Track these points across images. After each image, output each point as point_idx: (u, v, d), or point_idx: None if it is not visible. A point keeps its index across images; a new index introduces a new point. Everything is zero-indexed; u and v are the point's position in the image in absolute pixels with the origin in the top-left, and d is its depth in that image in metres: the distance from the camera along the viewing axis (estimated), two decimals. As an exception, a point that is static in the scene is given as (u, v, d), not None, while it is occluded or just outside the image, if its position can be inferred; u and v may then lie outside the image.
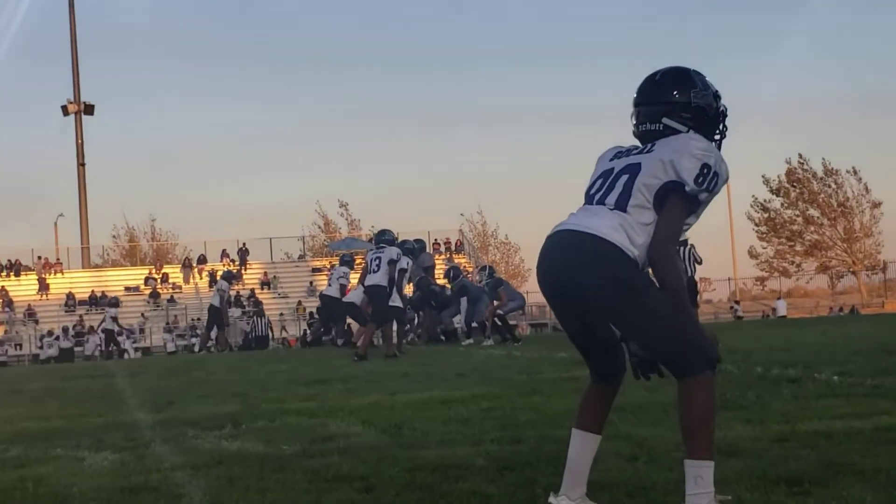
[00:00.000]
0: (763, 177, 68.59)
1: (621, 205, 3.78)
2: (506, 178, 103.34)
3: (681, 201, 3.74)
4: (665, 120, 3.91)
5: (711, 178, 3.72)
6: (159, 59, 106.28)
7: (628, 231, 3.73)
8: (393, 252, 17.15)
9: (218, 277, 50.80)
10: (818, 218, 66.87)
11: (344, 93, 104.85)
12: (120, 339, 37.52)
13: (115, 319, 36.60)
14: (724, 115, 3.98)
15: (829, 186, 67.00)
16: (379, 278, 16.94)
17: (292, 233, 78.11)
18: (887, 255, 64.43)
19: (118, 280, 52.61)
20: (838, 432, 5.39)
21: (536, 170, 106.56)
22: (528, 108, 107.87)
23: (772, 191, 68.45)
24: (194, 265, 52.27)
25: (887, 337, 13.32)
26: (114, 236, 73.12)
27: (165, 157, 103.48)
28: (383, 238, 17.75)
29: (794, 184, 67.61)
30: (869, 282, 66.98)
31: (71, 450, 6.45)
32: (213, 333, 29.72)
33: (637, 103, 4.00)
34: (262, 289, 51.56)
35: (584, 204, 3.96)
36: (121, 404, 9.93)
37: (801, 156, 67.91)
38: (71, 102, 58.36)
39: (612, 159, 3.99)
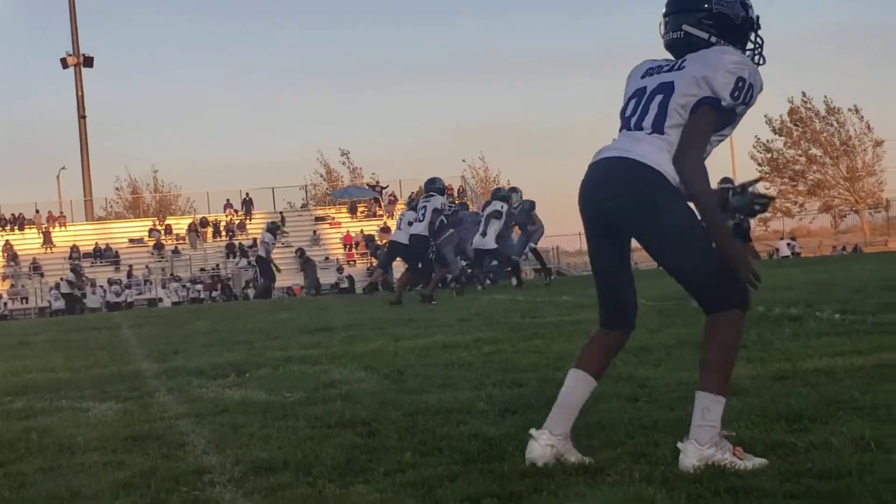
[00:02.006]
0: (766, 116, 68.21)
1: (658, 126, 3.76)
2: (508, 124, 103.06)
3: (711, 112, 3.72)
4: (685, 27, 3.87)
5: (747, 91, 3.70)
6: (159, 11, 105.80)
7: (670, 153, 3.73)
8: (437, 201, 17.16)
9: (222, 230, 51.22)
10: (821, 157, 66.59)
11: (344, 42, 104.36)
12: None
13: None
14: (756, 25, 3.91)
15: (832, 125, 66.61)
16: (423, 227, 16.99)
17: (295, 182, 78.10)
18: (890, 193, 64.25)
19: (122, 232, 52.64)
20: (839, 369, 5.40)
21: (538, 115, 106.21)
22: (529, 54, 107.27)
23: (774, 130, 68.11)
24: (199, 229, 52.08)
25: (889, 274, 13.30)
26: (116, 188, 73.01)
27: (166, 109, 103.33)
28: (432, 186, 17.68)
29: (797, 123, 67.23)
30: (872, 220, 66.87)
31: (75, 401, 6.49)
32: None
33: (665, 13, 3.95)
34: (266, 238, 51.59)
35: (621, 127, 3.94)
36: (125, 355, 9.97)
37: (804, 94, 67.50)
38: (70, 55, 58.02)
39: (643, 76, 3.95)
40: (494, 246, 19.22)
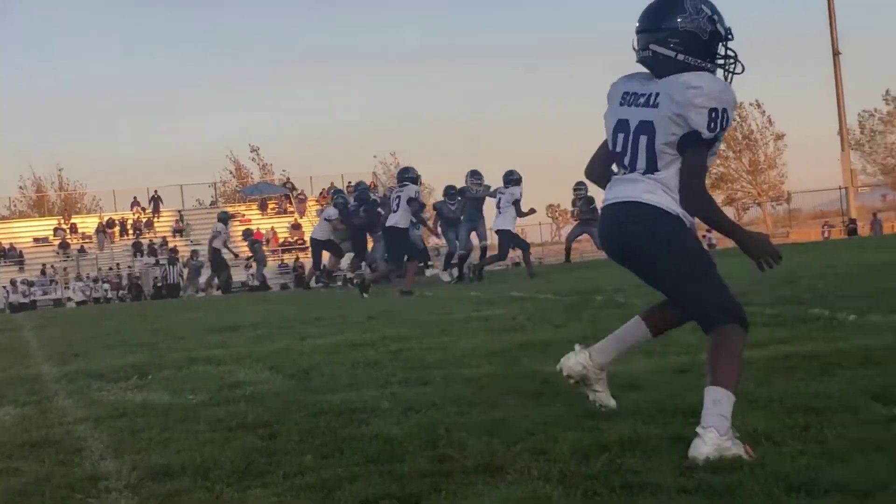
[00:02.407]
0: (671, 111, 69.29)
1: (651, 168, 3.96)
2: (420, 120, 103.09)
3: (700, 146, 3.87)
4: (653, 47, 3.97)
5: (722, 118, 3.82)
6: (58, 4, 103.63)
7: (666, 191, 3.94)
8: (411, 190, 16.97)
9: (129, 228, 50.36)
10: (724, 151, 67.79)
11: (255, 37, 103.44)
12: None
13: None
14: (727, 36, 4.00)
15: (734, 119, 67.93)
16: (398, 218, 16.81)
17: (204, 179, 77.20)
18: (791, 185, 65.74)
19: (26, 231, 51.51)
20: (735, 362, 5.49)
21: (451, 112, 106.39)
22: (441, 48, 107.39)
23: (679, 125, 69.15)
24: (106, 230, 51.18)
25: (788, 266, 13.59)
26: (20, 187, 71.44)
27: (70, 106, 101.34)
28: (405, 176, 17.49)
29: (701, 118, 68.35)
30: (774, 213, 68.35)
31: (-29, 407, 6.33)
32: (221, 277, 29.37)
33: (636, 31, 4.05)
34: (175, 236, 50.95)
35: (617, 162, 4.14)
36: (26, 358, 9.77)
37: (707, 90, 68.63)
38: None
39: (622, 104, 4.09)
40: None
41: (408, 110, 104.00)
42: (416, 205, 16.98)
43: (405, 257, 17.19)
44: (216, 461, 4.07)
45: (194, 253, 38.52)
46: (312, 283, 26.13)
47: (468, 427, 4.35)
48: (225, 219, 29.82)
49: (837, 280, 10.32)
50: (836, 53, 48.68)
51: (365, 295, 16.33)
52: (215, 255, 28.57)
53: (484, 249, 21.32)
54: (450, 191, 20.82)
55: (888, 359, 5.14)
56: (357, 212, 21.77)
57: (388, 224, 17.18)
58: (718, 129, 3.83)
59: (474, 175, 20.31)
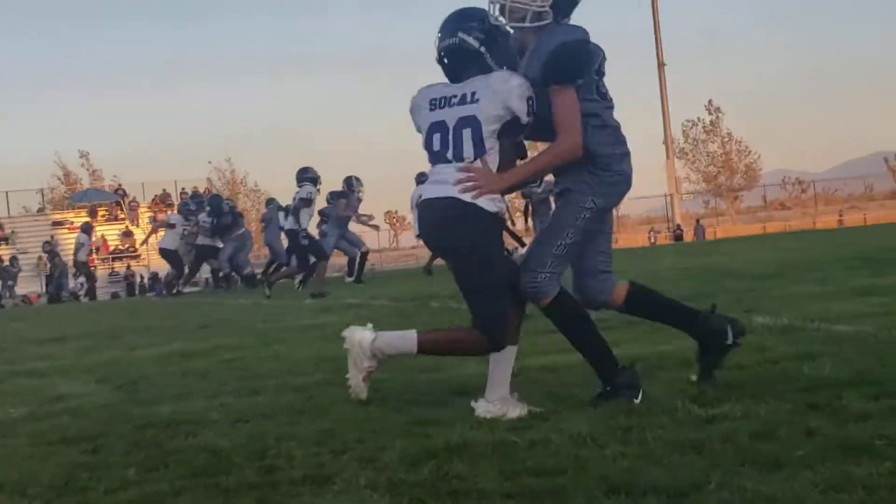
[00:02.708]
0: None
1: (479, 154, 4.47)
2: (254, 126, 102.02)
3: (519, 130, 4.59)
4: (461, 34, 4.52)
5: (533, 105, 4.47)
6: None
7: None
8: (304, 191, 16.86)
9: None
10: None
11: (85, 42, 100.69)
12: None
13: None
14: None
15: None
16: (291, 221, 16.83)
17: (30, 186, 74.63)
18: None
19: None
20: (563, 366, 5.62)
21: (285, 118, 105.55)
22: (275, 57, 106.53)
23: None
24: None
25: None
26: None
27: None
28: (304, 176, 17.35)
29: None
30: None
31: None
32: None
33: (443, 24, 4.60)
34: (0, 244, 49.10)
35: (435, 162, 4.59)
36: None
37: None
38: None
39: (432, 109, 4.59)
40: None
41: (242, 116, 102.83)
42: (302, 205, 16.87)
43: (310, 259, 17.17)
44: (35, 477, 3.93)
45: (13, 260, 37.10)
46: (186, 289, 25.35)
47: (298, 437, 4.32)
48: (87, 230, 29.31)
49: (661, 284, 10.63)
50: (661, 65, 50.28)
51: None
52: (83, 266, 28.08)
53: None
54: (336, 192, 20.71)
55: (706, 361, 5.31)
56: (209, 228, 21.59)
57: (286, 227, 17.25)
58: (531, 116, 4.46)
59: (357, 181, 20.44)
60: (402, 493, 3.31)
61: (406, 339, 4.79)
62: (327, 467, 3.76)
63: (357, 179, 20.33)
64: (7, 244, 49.63)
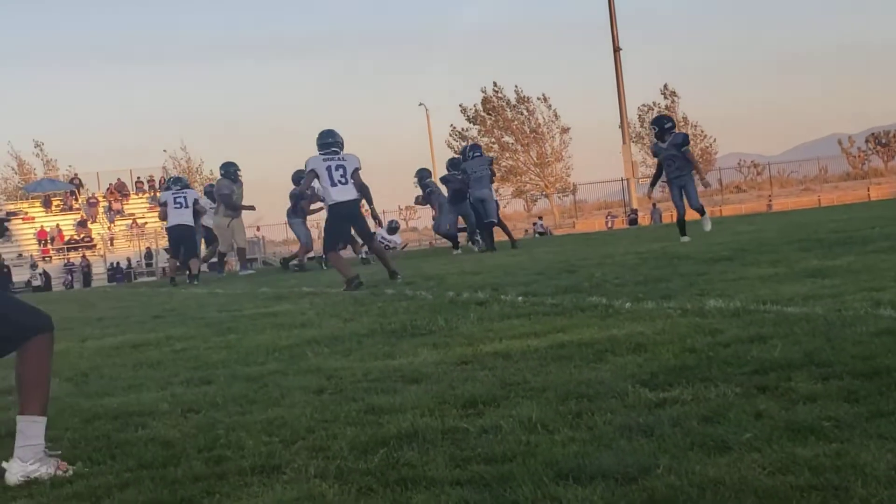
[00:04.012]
0: (460, 106, 70.57)
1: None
2: (210, 114, 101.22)
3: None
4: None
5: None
6: None
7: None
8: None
9: None
10: (512, 144, 69.43)
11: (37, 26, 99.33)
12: None
13: None
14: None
15: (522, 114, 69.61)
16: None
17: (-19, 176, 73.58)
18: (576, 178, 67.92)
19: None
20: (516, 352, 5.61)
21: (240, 105, 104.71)
22: (231, 43, 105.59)
23: (469, 119, 70.50)
24: None
25: (570, 256, 14.00)
26: None
27: None
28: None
29: (490, 112, 69.84)
30: (561, 204, 70.35)
31: None
32: None
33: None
34: (-51, 235, 48.51)
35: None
36: None
37: (495, 84, 70.22)
38: None
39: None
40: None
41: (196, 104, 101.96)
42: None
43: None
44: (-22, 472, 3.87)
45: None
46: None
47: (248, 426, 4.29)
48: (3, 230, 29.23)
49: (615, 269, 10.68)
50: (616, 49, 50.39)
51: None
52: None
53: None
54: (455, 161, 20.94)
55: (658, 345, 5.34)
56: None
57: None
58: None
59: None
60: (351, 482, 3.30)
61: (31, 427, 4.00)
62: (277, 457, 3.73)
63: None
64: (-41, 235, 49.04)
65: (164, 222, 21.09)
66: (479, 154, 20.16)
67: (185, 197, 19.30)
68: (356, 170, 12.43)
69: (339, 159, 12.41)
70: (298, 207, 19.99)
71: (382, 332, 7.19)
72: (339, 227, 12.88)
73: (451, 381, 4.91)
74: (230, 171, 19.86)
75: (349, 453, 3.68)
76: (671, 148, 15.61)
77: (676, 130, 16.21)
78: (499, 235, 21.41)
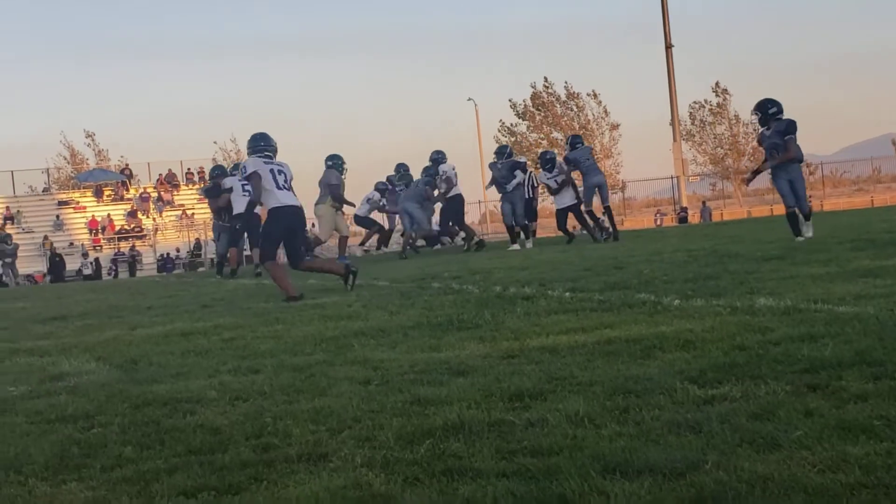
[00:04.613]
0: (510, 101, 70.42)
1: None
2: (259, 106, 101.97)
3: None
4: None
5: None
6: None
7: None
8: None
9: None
10: (561, 140, 69.13)
11: (91, 18, 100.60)
12: None
13: None
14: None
15: (572, 110, 69.36)
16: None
17: (36, 165, 74.72)
18: (626, 175, 67.52)
19: None
20: (562, 347, 5.60)
21: (287, 99, 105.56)
22: (281, 39, 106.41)
23: (518, 114, 70.33)
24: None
25: (618, 252, 13.93)
26: None
27: None
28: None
29: (539, 108, 69.63)
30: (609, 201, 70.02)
31: None
32: None
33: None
34: (6, 224, 49.16)
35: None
36: None
37: (545, 80, 70.03)
38: None
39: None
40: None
41: (245, 97, 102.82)
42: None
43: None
44: (30, 455, 3.93)
45: (7, 237, 36.95)
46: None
47: (295, 415, 4.31)
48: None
49: (664, 266, 10.62)
50: (668, 46, 50.03)
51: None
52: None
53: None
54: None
55: (707, 342, 5.30)
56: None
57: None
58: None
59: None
60: (397, 472, 3.30)
61: None
62: (324, 445, 3.75)
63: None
64: (13, 224, 49.71)
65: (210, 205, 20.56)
66: (580, 143, 20.50)
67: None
68: (291, 179, 11.60)
69: (277, 164, 11.52)
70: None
71: (428, 325, 7.20)
72: (282, 232, 11.41)
73: (498, 375, 4.91)
74: (337, 162, 19.50)
75: (395, 443, 3.69)
76: (775, 136, 13.49)
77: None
78: (544, 232, 21.38)
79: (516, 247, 19.80)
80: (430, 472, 3.26)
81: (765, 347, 5.01)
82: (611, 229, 19.76)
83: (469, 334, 6.50)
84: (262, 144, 11.59)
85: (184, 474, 3.48)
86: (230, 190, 18.19)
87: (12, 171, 54.16)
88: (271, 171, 11.29)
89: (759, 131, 13.94)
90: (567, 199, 20.46)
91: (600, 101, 69.37)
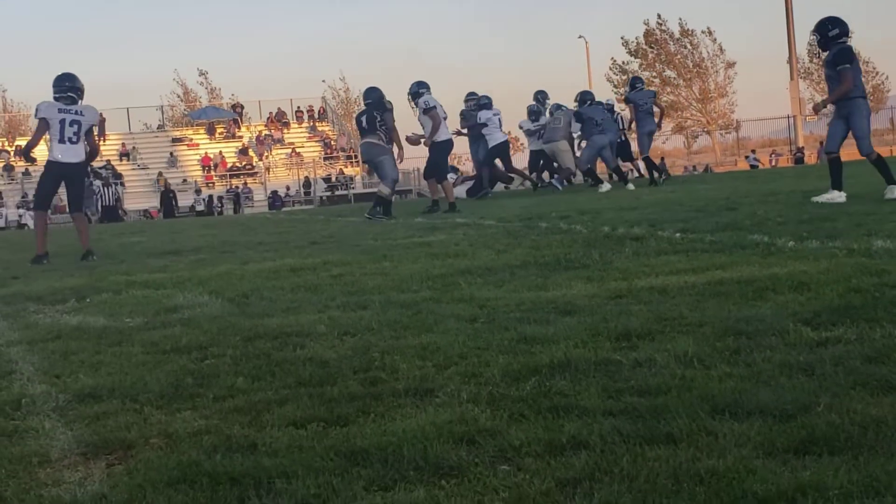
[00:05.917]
0: (622, 38, 69.34)
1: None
2: (368, 44, 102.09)
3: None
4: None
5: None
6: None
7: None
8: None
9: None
10: (674, 79, 67.93)
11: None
12: None
13: None
14: None
15: (686, 47, 68.01)
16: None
17: (151, 103, 76.23)
18: (740, 114, 66.14)
19: (-33, 154, 50.60)
20: (672, 287, 5.52)
21: (398, 35, 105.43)
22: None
23: (630, 52, 69.23)
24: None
25: (731, 193, 13.68)
26: (-40, 108, 70.03)
27: (12, 28, 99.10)
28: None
29: (652, 45, 68.43)
30: (723, 141, 68.73)
31: None
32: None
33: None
34: (122, 160, 50.35)
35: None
36: (-38, 282, 9.61)
37: (659, 16, 68.78)
38: None
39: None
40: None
41: (353, 35, 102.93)
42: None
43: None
44: (146, 384, 4.04)
45: (96, 173, 37.53)
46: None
47: (402, 350, 4.35)
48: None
49: (778, 207, 10.40)
50: (786, -19, 48.62)
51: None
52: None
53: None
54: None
55: (821, 284, 5.18)
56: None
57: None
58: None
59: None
60: (503, 408, 3.31)
61: None
62: (430, 381, 3.77)
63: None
64: (128, 160, 50.87)
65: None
66: (641, 86, 20.13)
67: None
68: (91, 127, 11.32)
69: (75, 113, 11.16)
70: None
71: (535, 264, 7.17)
72: (52, 185, 11.55)
73: (605, 314, 4.87)
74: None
75: (501, 380, 3.69)
76: (828, 65, 11.31)
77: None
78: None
79: (607, 186, 19.47)
80: (536, 408, 3.26)
81: (881, 290, 4.88)
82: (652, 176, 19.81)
83: (576, 274, 6.46)
84: (67, 85, 11.31)
85: (293, 405, 3.53)
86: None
87: (128, 109, 55.33)
88: (62, 120, 11.10)
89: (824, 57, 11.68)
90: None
91: (715, 39, 67.86)
